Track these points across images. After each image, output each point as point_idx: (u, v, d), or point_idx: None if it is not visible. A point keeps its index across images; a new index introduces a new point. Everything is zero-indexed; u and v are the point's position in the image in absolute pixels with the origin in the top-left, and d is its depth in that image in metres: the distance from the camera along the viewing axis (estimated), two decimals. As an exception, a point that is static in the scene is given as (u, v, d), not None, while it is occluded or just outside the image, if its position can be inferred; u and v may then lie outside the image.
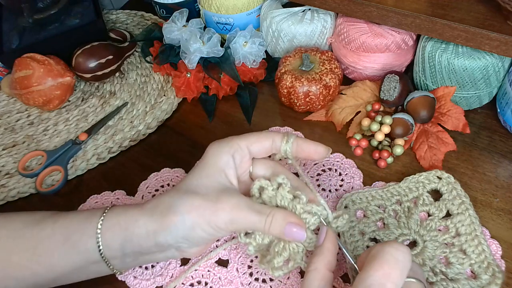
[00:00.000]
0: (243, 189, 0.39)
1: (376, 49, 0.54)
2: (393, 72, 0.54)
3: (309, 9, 0.60)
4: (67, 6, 0.67)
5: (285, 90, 0.54)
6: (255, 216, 0.35)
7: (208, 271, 0.43)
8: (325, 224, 0.36)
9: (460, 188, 0.45)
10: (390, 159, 0.50)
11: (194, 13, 0.69)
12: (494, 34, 0.44)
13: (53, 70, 0.59)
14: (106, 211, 0.37)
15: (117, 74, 0.66)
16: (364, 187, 0.48)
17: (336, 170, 0.50)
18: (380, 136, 0.50)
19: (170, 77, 0.64)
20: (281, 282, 0.41)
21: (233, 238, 0.45)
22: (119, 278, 0.43)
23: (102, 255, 0.36)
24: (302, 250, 0.37)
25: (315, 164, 0.51)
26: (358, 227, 0.44)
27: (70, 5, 0.67)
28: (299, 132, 0.55)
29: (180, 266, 0.44)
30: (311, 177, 0.50)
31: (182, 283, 0.42)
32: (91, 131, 0.58)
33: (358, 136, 0.52)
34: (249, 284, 0.42)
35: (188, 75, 0.60)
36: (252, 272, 0.42)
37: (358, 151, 0.51)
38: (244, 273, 0.42)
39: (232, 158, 0.37)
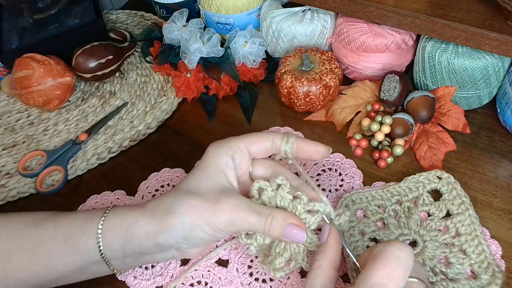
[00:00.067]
0: (243, 190, 0.39)
1: (376, 49, 0.54)
2: (393, 72, 0.54)
3: (309, 9, 0.60)
4: (67, 6, 0.67)
5: (285, 90, 0.54)
6: (255, 217, 0.35)
7: (208, 271, 0.43)
8: (328, 221, 0.36)
9: (460, 188, 0.45)
10: (390, 159, 0.50)
11: (194, 13, 0.69)
12: (494, 34, 0.44)
13: (53, 70, 0.59)
14: (107, 211, 0.37)
15: (117, 74, 0.66)
16: (364, 187, 0.48)
17: (336, 170, 0.50)
18: (380, 136, 0.50)
19: (170, 77, 0.64)
20: (281, 282, 0.41)
21: (233, 238, 0.45)
22: (119, 278, 0.43)
23: (103, 256, 0.36)
24: (303, 250, 0.37)
25: (315, 164, 0.51)
26: (358, 227, 0.44)
27: (70, 5, 0.67)
28: (299, 132, 0.55)
29: (180, 266, 0.44)
30: (311, 177, 0.50)
31: (182, 283, 0.42)
32: (91, 131, 0.58)
33: (358, 136, 0.52)
34: (249, 284, 0.42)
35: (188, 75, 0.60)
36: (252, 272, 0.42)
37: (358, 151, 0.51)
38: (244, 273, 0.42)
39: (231, 159, 0.37)
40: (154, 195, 0.50)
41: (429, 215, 0.44)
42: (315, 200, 0.37)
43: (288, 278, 0.41)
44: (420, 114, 0.50)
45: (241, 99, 0.60)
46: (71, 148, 0.56)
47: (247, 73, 0.61)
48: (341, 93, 0.57)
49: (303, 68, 0.55)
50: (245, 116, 0.58)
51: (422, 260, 0.41)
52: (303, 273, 0.42)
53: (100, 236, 0.35)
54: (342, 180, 0.49)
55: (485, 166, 0.49)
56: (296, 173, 0.42)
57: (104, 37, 0.66)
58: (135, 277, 0.43)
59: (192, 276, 0.43)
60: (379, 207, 0.45)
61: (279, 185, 0.37)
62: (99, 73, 0.63)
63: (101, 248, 0.35)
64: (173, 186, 0.51)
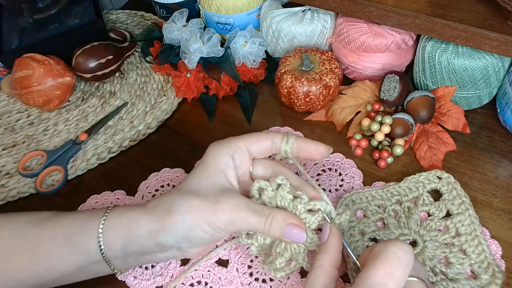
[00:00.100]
0: (243, 190, 0.39)
1: (376, 49, 0.54)
2: (393, 72, 0.54)
3: (309, 9, 0.60)
4: (67, 6, 0.67)
5: (285, 90, 0.54)
6: (255, 217, 0.35)
7: (208, 271, 0.43)
8: (329, 220, 0.36)
9: (460, 188, 0.45)
10: (390, 159, 0.50)
11: (194, 13, 0.69)
12: (494, 34, 0.44)
13: (53, 70, 0.59)
14: (108, 211, 0.37)
15: (117, 74, 0.66)
16: (364, 187, 0.48)
17: (336, 170, 0.50)
18: (380, 136, 0.50)
19: (170, 77, 0.64)
20: (281, 282, 0.41)
21: (233, 238, 0.44)
22: (119, 278, 0.43)
23: (104, 255, 0.36)
24: (304, 250, 0.37)
25: (315, 164, 0.51)
26: (358, 227, 0.44)
27: (70, 5, 0.67)
28: (299, 132, 0.55)
29: (180, 266, 0.44)
30: (311, 177, 0.50)
31: (182, 283, 0.42)
32: (91, 131, 0.58)
33: (358, 136, 0.52)
34: (249, 284, 0.42)
35: (188, 75, 0.60)
36: (252, 272, 0.42)
37: (358, 151, 0.51)
38: (244, 273, 0.42)
39: (231, 159, 0.37)
40: (154, 195, 0.50)
41: (429, 215, 0.44)
42: (316, 199, 0.37)
43: (288, 278, 0.41)
44: (420, 114, 0.50)
45: (241, 99, 0.60)
46: (71, 148, 0.56)
47: (247, 73, 0.61)
48: (341, 93, 0.57)
49: (303, 68, 0.55)
50: (245, 116, 0.58)
51: (422, 260, 0.41)
52: (303, 273, 0.42)
53: (101, 235, 0.35)
54: (342, 180, 0.49)
55: (485, 166, 0.49)
56: (297, 173, 0.42)
57: (104, 37, 0.66)
58: (135, 277, 0.43)
59: (192, 276, 0.43)
60: (379, 207, 0.45)
61: (279, 185, 0.37)
62: (99, 73, 0.63)
63: (102, 247, 0.35)
64: (173, 186, 0.51)
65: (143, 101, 0.61)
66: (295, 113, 0.57)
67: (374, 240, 0.43)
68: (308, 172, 0.50)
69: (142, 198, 0.50)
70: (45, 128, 0.60)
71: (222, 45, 0.60)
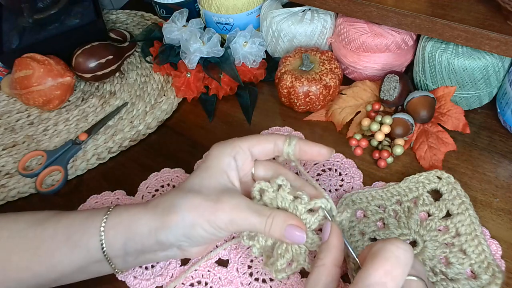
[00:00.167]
0: (245, 191, 0.39)
1: (376, 49, 0.54)
2: (393, 72, 0.54)
3: (309, 9, 0.60)
4: (67, 6, 0.67)
5: (285, 90, 0.54)
6: (255, 217, 0.35)
7: (208, 271, 0.43)
8: (330, 218, 0.36)
9: (460, 188, 0.45)
10: (390, 159, 0.50)
11: (194, 13, 0.69)
12: (494, 34, 0.44)
13: (53, 70, 0.59)
14: (110, 210, 0.37)
15: (117, 74, 0.66)
16: (364, 187, 0.48)
17: (336, 170, 0.50)
18: (380, 136, 0.50)
19: (170, 77, 0.64)
20: (281, 282, 0.41)
21: (233, 238, 0.45)
22: (119, 278, 0.43)
23: (105, 254, 0.36)
24: (305, 251, 0.37)
25: (315, 164, 0.51)
26: (358, 227, 0.44)
27: (70, 5, 0.67)
28: (299, 132, 0.55)
29: (180, 266, 0.44)
30: (311, 177, 0.50)
31: (182, 283, 0.42)
32: (91, 131, 0.58)
33: (358, 136, 0.52)
34: (249, 284, 0.42)
35: (188, 75, 0.60)
36: (252, 272, 0.42)
37: (358, 151, 0.51)
38: (244, 273, 0.42)
39: (234, 160, 0.38)
40: (154, 195, 0.50)
41: (429, 215, 0.44)
42: (317, 198, 0.37)
43: (288, 278, 0.41)
44: (420, 114, 0.50)
45: (241, 99, 0.60)
46: (71, 148, 0.56)
47: (247, 73, 0.61)
48: (341, 93, 0.57)
49: (303, 68, 0.55)
50: (245, 116, 0.58)
51: (422, 260, 0.41)
52: (303, 273, 0.42)
53: (102, 234, 0.35)
54: (342, 180, 0.49)
55: (485, 166, 0.49)
56: (297, 173, 0.42)
57: (104, 37, 0.66)
58: (135, 277, 0.43)
59: (192, 276, 0.43)
60: (379, 207, 0.45)
61: (279, 186, 0.37)
62: (99, 73, 0.63)
63: (104, 246, 0.35)
64: (173, 186, 0.51)
65: (143, 101, 0.61)
66: (295, 113, 0.57)
67: (374, 240, 0.43)
68: (308, 172, 0.50)
69: (142, 198, 0.50)
70: (45, 128, 0.60)
71: (222, 45, 0.60)
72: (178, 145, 0.56)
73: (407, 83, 0.53)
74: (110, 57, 0.63)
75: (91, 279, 0.39)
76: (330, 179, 0.49)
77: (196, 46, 0.58)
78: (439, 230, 0.43)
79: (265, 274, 0.42)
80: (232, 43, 0.60)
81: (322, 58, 0.55)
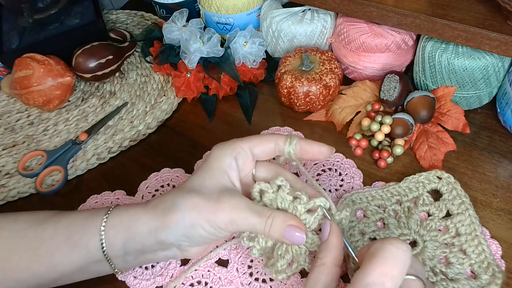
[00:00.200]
0: (246, 192, 0.39)
1: (376, 49, 0.54)
2: (393, 72, 0.54)
3: (309, 9, 0.60)
4: (67, 6, 0.67)
5: (285, 90, 0.54)
6: (255, 218, 0.35)
7: (208, 271, 0.43)
8: (329, 217, 0.36)
9: (460, 188, 0.45)
10: (390, 159, 0.50)
11: (194, 13, 0.69)
12: (494, 34, 0.44)
13: (53, 70, 0.59)
14: (111, 209, 0.37)
15: (117, 74, 0.66)
16: (364, 187, 0.48)
17: (336, 170, 0.50)
18: (380, 136, 0.50)
19: (170, 77, 0.64)
20: (281, 282, 0.41)
21: (233, 238, 0.44)
22: (119, 278, 0.43)
23: (105, 254, 0.36)
24: (305, 252, 0.37)
25: (315, 164, 0.51)
26: (358, 227, 0.44)
27: (70, 5, 0.67)
28: (299, 132, 0.55)
29: (180, 266, 0.44)
30: (311, 177, 0.50)
31: (182, 283, 0.42)
32: (91, 131, 0.58)
33: (358, 136, 0.52)
34: (249, 284, 0.42)
35: (188, 75, 0.60)
36: (252, 272, 0.42)
37: (358, 151, 0.51)
38: (244, 273, 0.42)
39: (234, 160, 0.38)
40: (154, 195, 0.50)
41: (429, 215, 0.44)
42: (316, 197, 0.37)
43: (288, 278, 0.41)
44: (420, 114, 0.50)
45: (241, 99, 0.60)
46: (71, 148, 0.56)
47: (247, 73, 0.61)
48: (341, 93, 0.57)
49: (303, 68, 0.55)
50: (245, 116, 0.58)
51: (422, 260, 0.41)
52: (303, 274, 0.42)
53: (103, 233, 0.35)
54: (342, 180, 0.49)
55: (485, 166, 0.49)
56: (297, 174, 0.42)
57: (104, 37, 0.66)
58: (135, 277, 0.43)
59: (192, 276, 0.43)
60: (379, 207, 0.45)
61: (279, 186, 0.37)
62: (99, 73, 0.63)
63: (104, 245, 0.35)
64: (173, 186, 0.51)
65: (143, 101, 0.61)
66: (295, 113, 0.57)
67: (374, 240, 0.43)
68: (308, 172, 0.50)
69: (142, 198, 0.50)
70: (45, 128, 0.60)
71: (222, 45, 0.60)
72: (178, 145, 0.56)
73: (407, 83, 0.53)
74: (110, 57, 0.63)
75: (91, 279, 0.39)
76: (330, 179, 0.49)
77: (196, 46, 0.58)
78: (439, 230, 0.43)
79: (265, 274, 0.42)
80: (232, 43, 0.60)
81: (322, 58, 0.55)
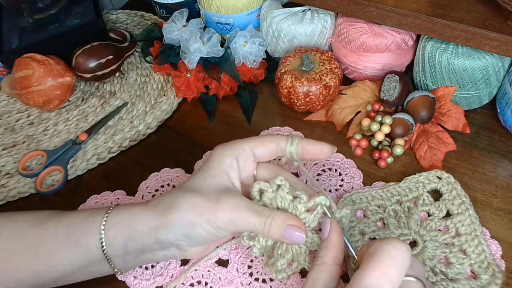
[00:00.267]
0: (247, 193, 0.39)
1: (376, 49, 0.54)
2: (393, 72, 0.54)
3: (309, 9, 0.60)
4: (67, 6, 0.67)
5: (285, 90, 0.54)
6: (255, 217, 0.35)
7: (208, 271, 0.43)
8: (329, 214, 0.36)
9: (460, 188, 0.45)
10: (390, 159, 0.50)
11: (194, 13, 0.69)
12: (494, 34, 0.44)
13: (53, 70, 0.59)
14: (111, 209, 0.37)
15: (117, 74, 0.66)
16: (364, 187, 0.48)
17: (336, 170, 0.50)
18: (380, 136, 0.50)
19: (170, 77, 0.64)
20: (281, 282, 0.41)
21: (233, 238, 0.44)
22: (119, 278, 0.43)
23: (105, 253, 0.36)
24: (305, 251, 0.37)
25: (315, 164, 0.51)
26: (358, 227, 0.44)
27: (70, 5, 0.67)
28: (299, 132, 0.55)
29: (180, 266, 0.44)
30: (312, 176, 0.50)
31: (182, 283, 0.42)
32: (91, 131, 0.58)
33: (358, 136, 0.52)
34: (249, 284, 0.42)
35: (188, 75, 0.60)
36: (252, 272, 0.42)
37: (358, 151, 0.51)
38: (244, 273, 0.42)
39: (235, 160, 0.38)
40: (154, 195, 0.50)
41: (429, 215, 0.44)
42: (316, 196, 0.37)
43: (288, 278, 0.41)
44: (420, 114, 0.50)
45: (241, 99, 0.60)
46: (71, 148, 0.56)
47: (247, 73, 0.61)
48: (341, 93, 0.57)
49: (303, 68, 0.55)
50: (245, 116, 0.58)
51: (422, 260, 0.41)
52: (303, 273, 0.42)
53: (103, 232, 0.35)
54: (342, 180, 0.49)
55: (485, 166, 0.49)
56: (296, 173, 0.42)
57: (104, 37, 0.66)
58: (135, 277, 0.43)
59: (192, 276, 0.43)
60: (379, 207, 0.45)
61: (278, 186, 0.37)
62: (99, 73, 0.63)
63: (104, 245, 0.35)
64: (173, 186, 0.51)
65: (143, 101, 0.61)
66: (295, 113, 0.57)
67: (374, 240, 0.43)
68: (309, 172, 0.50)
69: (142, 198, 0.50)
70: (45, 128, 0.60)
71: (222, 45, 0.60)
72: (178, 145, 0.56)
73: (407, 83, 0.53)
74: (110, 57, 0.63)
75: (91, 279, 0.39)
76: (330, 179, 0.49)
77: (196, 46, 0.58)
78: (439, 230, 0.43)
79: (265, 274, 0.42)
80: (232, 43, 0.60)
81: (322, 58, 0.55)
